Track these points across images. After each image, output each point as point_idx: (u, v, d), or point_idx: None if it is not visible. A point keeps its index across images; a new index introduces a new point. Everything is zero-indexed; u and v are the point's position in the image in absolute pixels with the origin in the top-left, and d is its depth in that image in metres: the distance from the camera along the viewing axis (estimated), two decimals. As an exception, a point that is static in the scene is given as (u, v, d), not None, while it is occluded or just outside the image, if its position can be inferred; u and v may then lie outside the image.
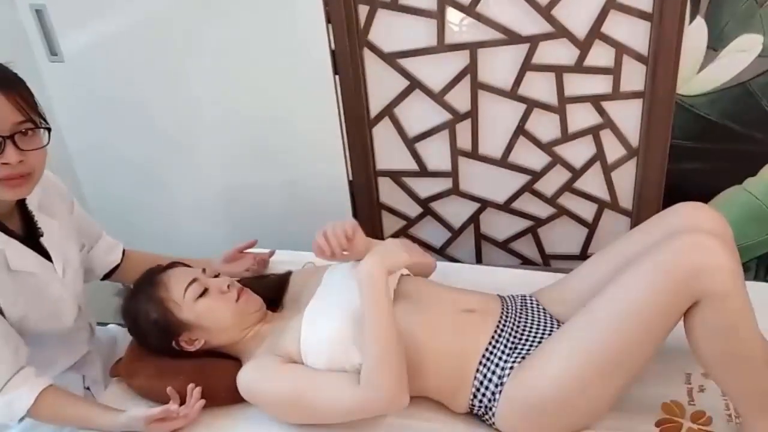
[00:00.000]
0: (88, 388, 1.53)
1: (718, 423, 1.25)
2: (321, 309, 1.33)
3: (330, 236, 1.31)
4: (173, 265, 1.43)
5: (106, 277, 1.61)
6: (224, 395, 1.35)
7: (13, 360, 1.27)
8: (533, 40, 1.75)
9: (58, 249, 1.37)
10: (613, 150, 1.87)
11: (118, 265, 1.61)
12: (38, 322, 1.34)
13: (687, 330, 1.15)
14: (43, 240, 1.34)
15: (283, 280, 1.56)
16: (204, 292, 1.35)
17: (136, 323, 1.39)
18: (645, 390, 1.31)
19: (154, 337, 1.37)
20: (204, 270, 1.42)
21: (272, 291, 1.52)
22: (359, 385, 1.22)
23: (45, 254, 1.35)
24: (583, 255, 2.05)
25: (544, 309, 1.39)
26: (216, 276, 1.42)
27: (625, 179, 1.91)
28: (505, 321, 1.34)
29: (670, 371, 1.36)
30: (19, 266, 1.28)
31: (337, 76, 1.88)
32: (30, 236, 1.33)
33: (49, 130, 1.24)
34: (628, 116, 1.81)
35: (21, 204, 1.33)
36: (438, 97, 1.88)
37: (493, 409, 1.25)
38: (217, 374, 1.36)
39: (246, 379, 1.29)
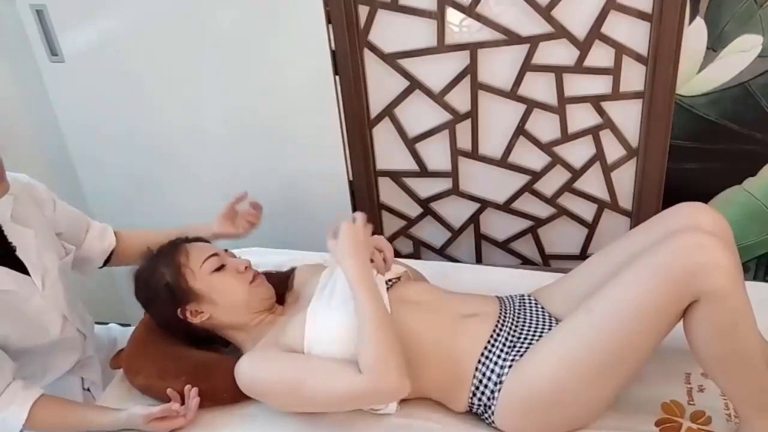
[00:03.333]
0: (87, 389, 1.53)
1: (717, 423, 1.25)
2: (323, 306, 1.33)
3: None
4: (198, 239, 1.48)
5: (106, 263, 1.58)
6: (225, 395, 1.36)
7: None
8: (533, 41, 1.75)
9: (36, 260, 1.34)
10: (613, 150, 1.87)
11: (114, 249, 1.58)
12: (23, 339, 1.33)
13: (686, 329, 1.15)
14: (18, 253, 1.31)
15: (286, 277, 1.57)
16: (221, 268, 1.39)
17: (148, 284, 1.40)
18: (645, 390, 1.32)
19: (161, 300, 1.38)
20: (226, 250, 1.45)
21: (277, 288, 1.53)
22: (362, 373, 1.18)
23: (22, 268, 1.32)
24: (583, 255, 2.05)
25: (542, 308, 1.39)
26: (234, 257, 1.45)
27: (625, 179, 1.91)
28: (504, 320, 1.34)
29: (670, 371, 1.36)
30: None
31: (337, 77, 1.88)
32: (3, 252, 1.30)
33: None
34: (628, 116, 1.81)
35: None
36: (438, 98, 1.88)
37: (492, 407, 1.25)
38: (218, 375, 1.36)
39: (245, 368, 1.28)
